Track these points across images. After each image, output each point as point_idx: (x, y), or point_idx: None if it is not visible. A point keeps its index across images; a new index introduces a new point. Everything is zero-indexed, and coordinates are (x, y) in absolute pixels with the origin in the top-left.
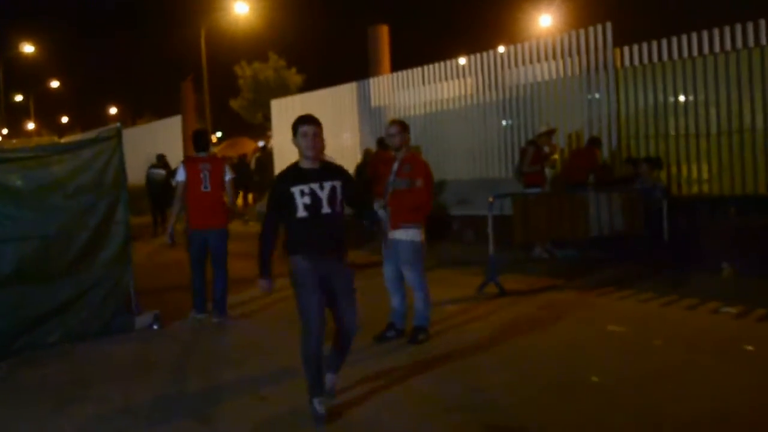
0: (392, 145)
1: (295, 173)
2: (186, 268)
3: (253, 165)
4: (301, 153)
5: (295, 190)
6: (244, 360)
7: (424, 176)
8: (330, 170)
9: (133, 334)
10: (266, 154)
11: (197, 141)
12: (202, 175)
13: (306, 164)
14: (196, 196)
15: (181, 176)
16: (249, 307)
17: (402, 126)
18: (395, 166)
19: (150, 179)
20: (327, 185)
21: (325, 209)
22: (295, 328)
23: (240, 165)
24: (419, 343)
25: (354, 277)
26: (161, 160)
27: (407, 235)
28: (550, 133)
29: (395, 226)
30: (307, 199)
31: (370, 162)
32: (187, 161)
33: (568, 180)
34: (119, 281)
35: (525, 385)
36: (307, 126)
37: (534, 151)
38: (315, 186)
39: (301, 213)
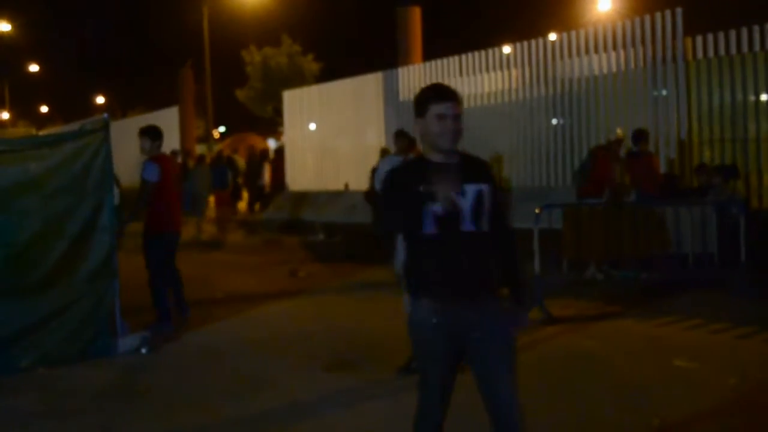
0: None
1: (422, 169)
2: (192, 280)
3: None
4: (429, 142)
5: (422, 192)
6: (245, 393)
7: None
8: (475, 167)
9: (118, 359)
10: (280, 156)
11: (161, 136)
12: (173, 175)
13: (438, 157)
14: (174, 197)
15: (154, 176)
16: (257, 332)
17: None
18: None
19: None
20: (471, 190)
21: (467, 225)
22: (313, 355)
23: (251, 164)
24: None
25: (515, 335)
26: (176, 156)
27: None
28: (620, 142)
29: None
30: (440, 209)
31: None
32: (162, 159)
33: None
34: (102, 298)
35: (579, 430)
36: (445, 104)
37: (606, 158)
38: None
39: (430, 229)
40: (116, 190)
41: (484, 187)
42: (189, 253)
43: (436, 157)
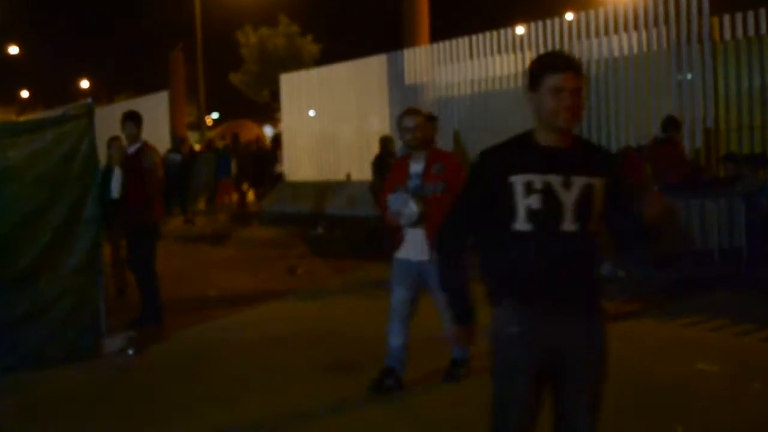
0: (410, 144)
1: (522, 151)
2: (184, 276)
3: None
4: (543, 120)
5: (517, 180)
6: (238, 397)
7: (462, 171)
8: (590, 156)
9: (102, 361)
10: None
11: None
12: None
13: (548, 140)
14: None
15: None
16: (252, 332)
17: (422, 117)
18: (417, 167)
19: (166, 165)
20: (578, 182)
21: (567, 225)
22: (312, 357)
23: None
24: (459, 379)
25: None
26: (179, 144)
27: None
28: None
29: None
30: (535, 201)
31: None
32: (153, 147)
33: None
34: (87, 295)
35: None
36: (562, 74)
37: (640, 160)
38: (556, 180)
39: (522, 225)
40: (117, 172)
41: (596, 182)
42: (178, 247)
43: (545, 140)
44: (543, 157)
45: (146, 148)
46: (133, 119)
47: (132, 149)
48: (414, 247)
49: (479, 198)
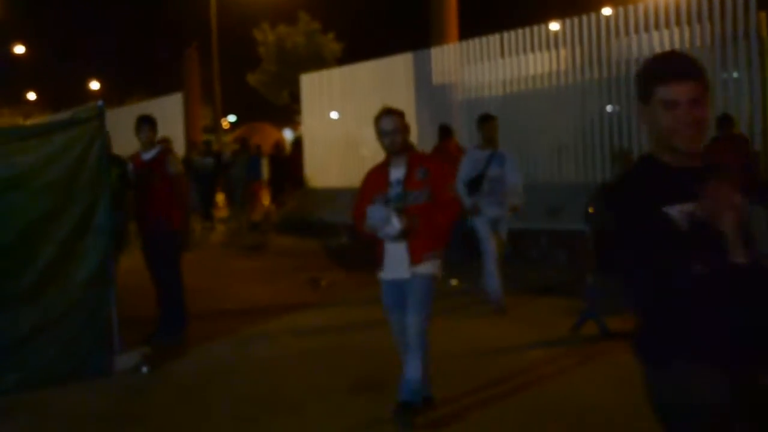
0: (391, 149)
1: (661, 177)
2: (200, 287)
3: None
4: (659, 139)
5: (675, 212)
6: (258, 418)
7: (448, 177)
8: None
9: (115, 379)
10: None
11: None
12: None
13: (677, 160)
14: None
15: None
16: (271, 349)
17: (402, 118)
18: (398, 173)
19: (198, 169)
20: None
21: (737, 256)
22: (335, 376)
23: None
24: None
25: None
26: (209, 148)
27: (427, 268)
28: None
29: (417, 259)
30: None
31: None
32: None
33: None
34: (97, 309)
35: None
36: (675, 85)
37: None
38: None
39: (698, 267)
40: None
41: (755, 205)
42: (194, 256)
43: (674, 160)
44: (685, 180)
45: (169, 153)
46: (148, 123)
47: (149, 155)
48: (399, 265)
49: (644, 242)
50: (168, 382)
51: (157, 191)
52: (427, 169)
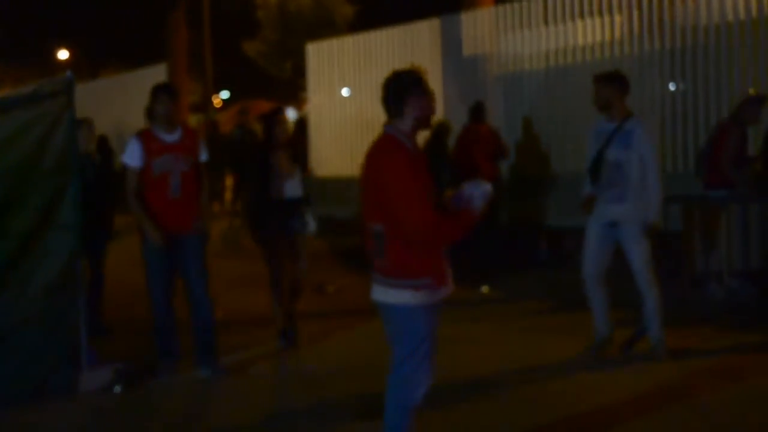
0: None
1: None
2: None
3: None
4: None
5: None
6: None
7: None
8: None
9: (83, 399)
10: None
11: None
12: None
13: None
14: None
15: None
16: (264, 364)
17: None
18: None
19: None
20: None
21: None
22: (341, 398)
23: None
24: None
25: None
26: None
27: None
28: (758, 102)
29: None
30: None
31: (460, 141)
32: None
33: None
34: (62, 318)
35: None
36: None
37: (740, 134)
38: None
39: None
40: None
41: None
42: None
43: None
44: None
45: (197, 134)
46: (169, 93)
47: (172, 137)
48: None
49: None
50: (143, 403)
51: (186, 184)
52: None
